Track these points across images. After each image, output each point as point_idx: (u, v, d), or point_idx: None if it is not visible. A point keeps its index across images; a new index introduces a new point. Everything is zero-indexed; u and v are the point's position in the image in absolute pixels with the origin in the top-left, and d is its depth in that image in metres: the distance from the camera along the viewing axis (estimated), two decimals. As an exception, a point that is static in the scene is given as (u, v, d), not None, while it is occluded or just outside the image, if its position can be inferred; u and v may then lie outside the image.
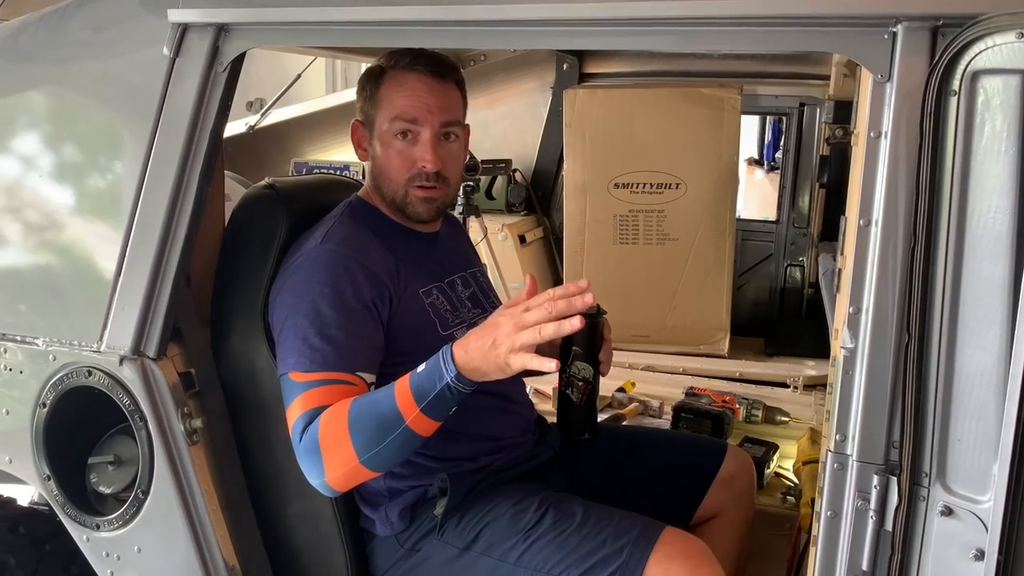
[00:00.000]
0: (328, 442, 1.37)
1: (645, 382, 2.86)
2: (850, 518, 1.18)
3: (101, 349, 1.55)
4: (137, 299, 1.52)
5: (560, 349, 1.80)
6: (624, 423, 2.44)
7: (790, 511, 2.06)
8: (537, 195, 3.57)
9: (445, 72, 1.59)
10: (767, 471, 2.15)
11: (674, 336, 3.09)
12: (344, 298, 1.47)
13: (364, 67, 1.71)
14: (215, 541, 1.59)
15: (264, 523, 1.67)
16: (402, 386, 1.35)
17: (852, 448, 1.18)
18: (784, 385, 2.87)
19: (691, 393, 2.52)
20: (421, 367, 1.36)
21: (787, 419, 2.49)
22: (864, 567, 1.17)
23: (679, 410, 2.35)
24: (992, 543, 1.00)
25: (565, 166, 3.09)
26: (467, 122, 1.69)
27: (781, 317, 3.57)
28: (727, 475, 1.77)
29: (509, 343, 1.27)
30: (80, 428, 1.67)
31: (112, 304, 1.54)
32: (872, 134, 1.13)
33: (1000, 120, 1.00)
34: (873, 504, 1.15)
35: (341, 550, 1.62)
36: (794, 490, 2.10)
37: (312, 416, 1.40)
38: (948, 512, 1.06)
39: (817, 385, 2.86)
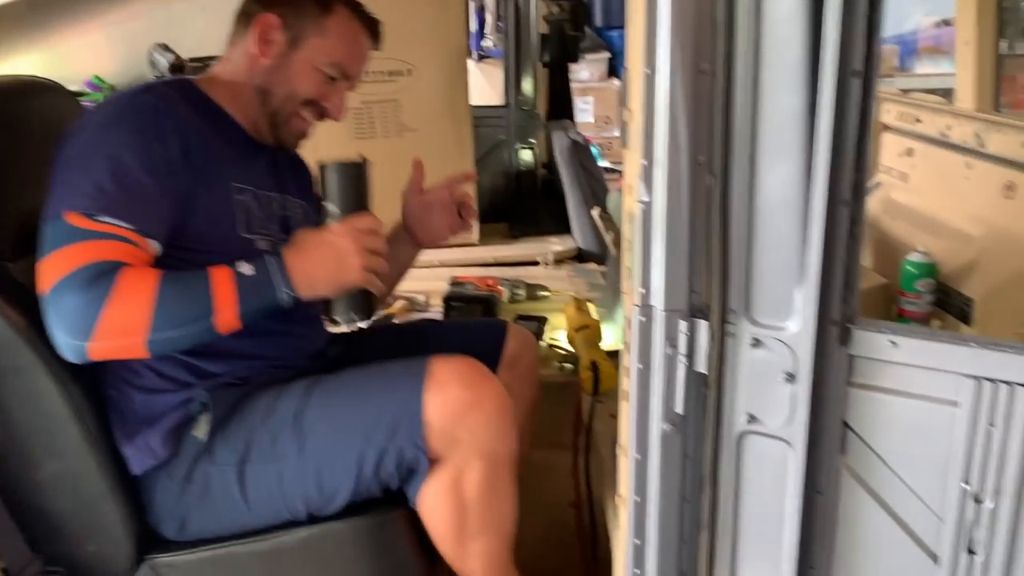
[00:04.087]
0: (121, 303, 1.23)
1: (405, 280, 2.79)
2: (660, 367, 1.20)
3: None
4: None
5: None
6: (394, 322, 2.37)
7: (569, 378, 2.12)
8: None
9: (377, 39, 1.65)
10: (541, 344, 2.19)
11: (424, 229, 3.03)
12: (152, 155, 1.32)
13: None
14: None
15: (11, 494, 1.41)
16: (222, 281, 1.29)
17: (657, 299, 1.19)
18: (535, 263, 2.94)
19: (456, 283, 2.50)
20: (246, 269, 1.32)
21: (548, 293, 2.56)
22: (679, 409, 1.20)
23: (449, 300, 2.32)
24: (801, 365, 1.06)
25: (287, 60, 2.85)
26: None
27: (520, 200, 3.64)
28: (512, 355, 1.78)
29: (358, 264, 1.36)
30: None
31: None
32: (650, -22, 1.10)
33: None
34: (682, 349, 1.18)
35: (112, 504, 1.41)
36: (570, 357, 2.17)
37: (105, 269, 1.24)
38: (757, 343, 1.11)
39: (565, 259, 2.97)
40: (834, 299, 1.03)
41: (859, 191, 0.99)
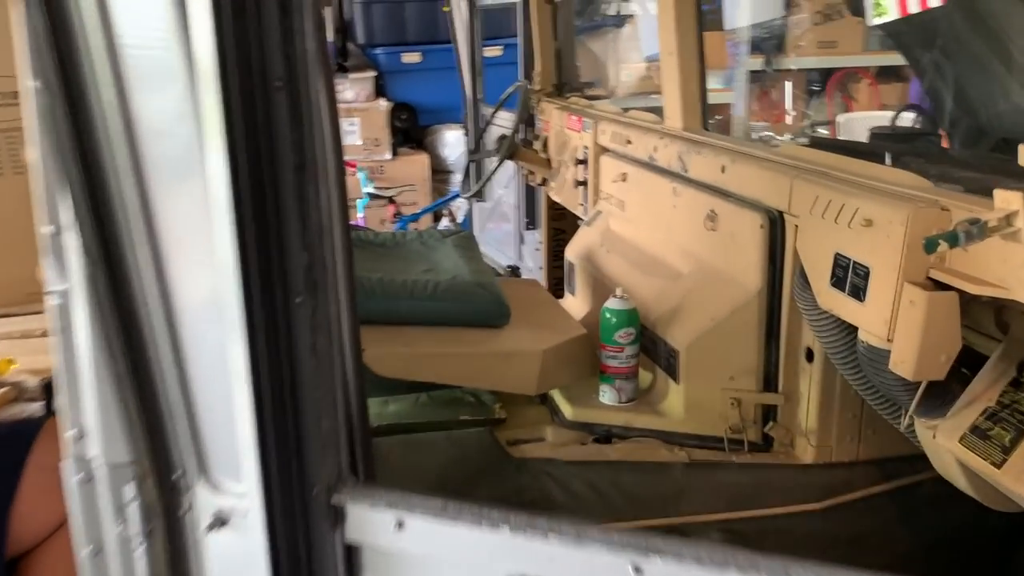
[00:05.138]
0: None
1: (37, 353, 2.21)
2: (116, 552, 0.77)
3: None
4: None
5: None
6: (-19, 420, 1.81)
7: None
8: None
9: None
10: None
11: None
12: None
13: None
14: None
15: None
16: None
17: (96, 447, 0.75)
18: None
19: (79, 359, 1.96)
20: None
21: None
22: (147, 620, 0.76)
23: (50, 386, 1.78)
24: (268, 559, 0.64)
25: None
26: None
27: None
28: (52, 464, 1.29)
29: None
30: None
31: None
32: None
33: None
34: (139, 526, 0.74)
35: None
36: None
37: None
38: (221, 523, 0.69)
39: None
40: (308, 456, 0.62)
41: (314, 274, 0.58)
